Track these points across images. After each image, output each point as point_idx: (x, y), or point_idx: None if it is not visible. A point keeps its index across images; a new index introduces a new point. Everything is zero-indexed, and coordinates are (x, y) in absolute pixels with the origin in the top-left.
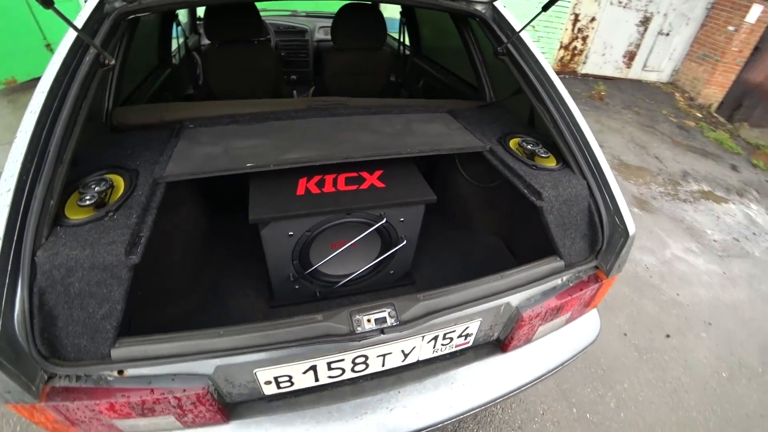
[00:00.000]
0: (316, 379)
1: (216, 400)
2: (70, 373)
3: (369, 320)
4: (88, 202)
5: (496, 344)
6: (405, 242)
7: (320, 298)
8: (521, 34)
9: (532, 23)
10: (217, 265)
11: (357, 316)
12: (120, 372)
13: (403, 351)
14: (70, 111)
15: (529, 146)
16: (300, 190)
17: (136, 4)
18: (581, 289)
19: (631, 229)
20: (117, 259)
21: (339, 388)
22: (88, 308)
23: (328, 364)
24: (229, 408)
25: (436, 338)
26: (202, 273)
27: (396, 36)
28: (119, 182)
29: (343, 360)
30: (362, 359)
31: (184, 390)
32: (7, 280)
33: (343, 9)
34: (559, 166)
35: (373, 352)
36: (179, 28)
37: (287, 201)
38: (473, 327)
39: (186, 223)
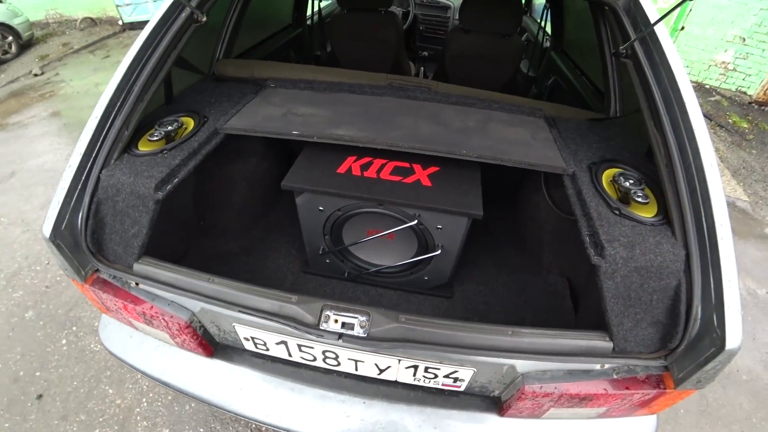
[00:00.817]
0: (289, 354)
1: (198, 335)
2: (106, 271)
3: (336, 321)
4: (156, 138)
5: (493, 402)
6: (439, 251)
7: (348, 278)
8: (659, 34)
9: (742, 35)
10: (273, 219)
11: (327, 312)
12: (137, 283)
13: (377, 365)
14: (158, 60)
15: (626, 183)
16: (342, 168)
17: None
18: (629, 388)
19: (733, 341)
20: (147, 191)
21: (315, 372)
22: (124, 224)
23: (299, 345)
24: (215, 345)
25: (416, 367)
26: (257, 221)
27: (540, 24)
28: (190, 125)
29: (312, 348)
30: (332, 355)
31: (171, 316)
32: (78, 187)
33: None
34: (656, 219)
35: (343, 354)
36: None
37: (324, 176)
38: (464, 374)
39: (253, 173)
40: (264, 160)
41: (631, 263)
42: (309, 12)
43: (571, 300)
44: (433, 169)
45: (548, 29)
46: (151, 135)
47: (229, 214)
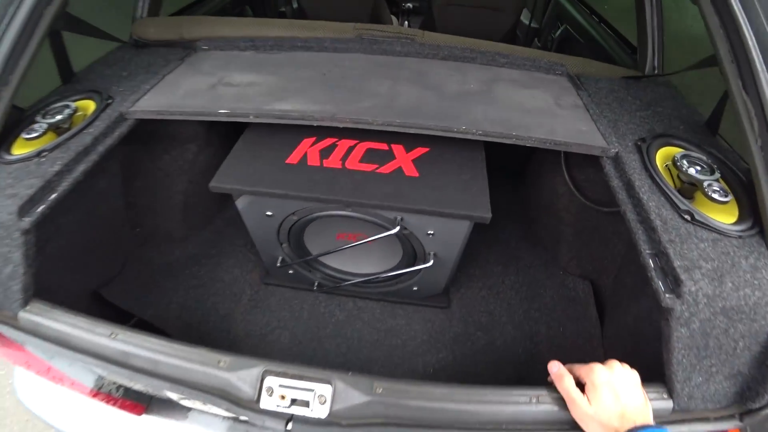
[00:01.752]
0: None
1: (116, 398)
2: None
3: (283, 396)
4: (35, 134)
5: None
6: (431, 264)
7: (319, 291)
8: None
9: None
10: (227, 218)
11: (270, 383)
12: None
13: None
14: (23, 24)
15: (691, 169)
16: (294, 157)
17: None
18: None
19: None
20: (9, 218)
21: None
22: None
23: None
24: (148, 401)
25: None
26: (207, 222)
27: None
28: (89, 110)
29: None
30: None
31: (73, 383)
32: None
33: None
34: (742, 228)
35: None
36: None
37: (269, 169)
38: None
39: (194, 163)
40: (207, 146)
41: (717, 303)
42: None
43: (595, 308)
44: (419, 151)
45: None
46: (30, 131)
47: (170, 217)
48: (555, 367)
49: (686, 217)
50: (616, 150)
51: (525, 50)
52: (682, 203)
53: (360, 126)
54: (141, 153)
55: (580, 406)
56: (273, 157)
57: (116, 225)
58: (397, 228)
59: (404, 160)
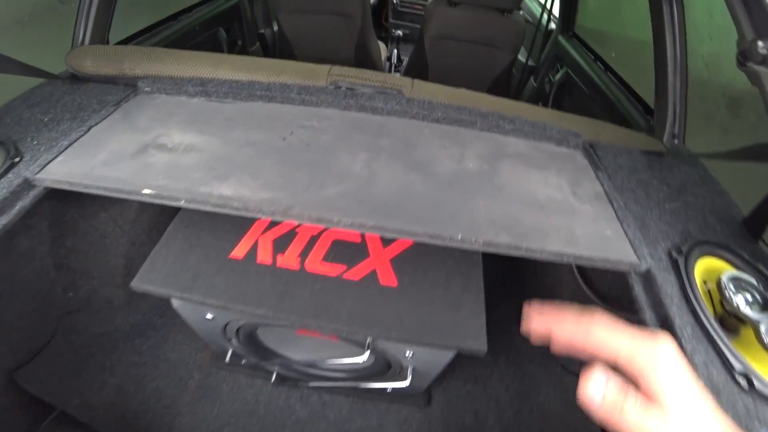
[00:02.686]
0: None
1: None
2: None
3: None
4: None
5: None
6: (407, 384)
7: (278, 383)
8: None
9: None
10: None
11: None
12: None
13: None
14: None
15: (740, 299)
16: (240, 250)
17: None
18: None
19: None
20: None
21: None
22: None
23: None
24: None
25: None
26: None
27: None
28: None
29: None
30: None
31: None
32: None
33: None
34: None
35: None
36: None
37: (205, 268)
38: None
39: (135, 222)
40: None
41: None
42: None
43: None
44: (400, 246)
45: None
46: None
47: (108, 281)
48: (597, 390)
49: (742, 382)
50: (648, 266)
51: (533, 110)
52: (737, 359)
53: (322, 224)
54: (73, 210)
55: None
56: (213, 248)
57: (43, 289)
58: (366, 354)
59: (380, 259)
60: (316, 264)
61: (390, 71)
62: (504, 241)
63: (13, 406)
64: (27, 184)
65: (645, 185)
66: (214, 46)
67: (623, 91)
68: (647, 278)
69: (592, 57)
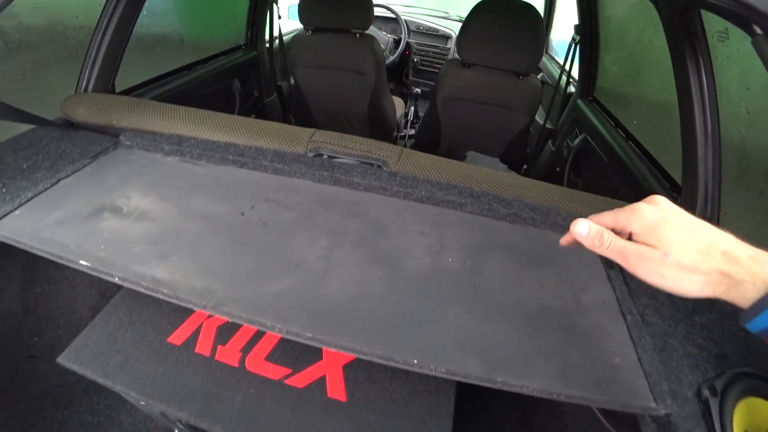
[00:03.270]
0: None
1: None
2: None
3: None
4: None
5: None
6: None
7: None
8: None
9: None
10: None
11: None
12: None
13: None
14: None
15: None
16: (180, 335)
17: None
18: None
19: None
20: None
21: None
22: None
23: None
24: None
25: None
26: None
27: (564, 64)
28: None
29: None
30: None
31: None
32: None
33: (485, 4)
34: None
35: None
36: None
37: (139, 351)
38: None
39: None
40: None
41: None
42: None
43: None
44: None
45: (569, 68)
46: None
47: (74, 330)
48: (583, 227)
49: None
50: (668, 411)
51: (538, 188)
52: None
53: (254, 326)
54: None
55: (647, 256)
56: (153, 328)
57: (9, 330)
58: None
59: (332, 364)
60: (258, 362)
61: (406, 128)
62: (473, 370)
63: None
64: None
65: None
66: (227, 97)
67: (646, 162)
68: (667, 428)
69: (613, 124)
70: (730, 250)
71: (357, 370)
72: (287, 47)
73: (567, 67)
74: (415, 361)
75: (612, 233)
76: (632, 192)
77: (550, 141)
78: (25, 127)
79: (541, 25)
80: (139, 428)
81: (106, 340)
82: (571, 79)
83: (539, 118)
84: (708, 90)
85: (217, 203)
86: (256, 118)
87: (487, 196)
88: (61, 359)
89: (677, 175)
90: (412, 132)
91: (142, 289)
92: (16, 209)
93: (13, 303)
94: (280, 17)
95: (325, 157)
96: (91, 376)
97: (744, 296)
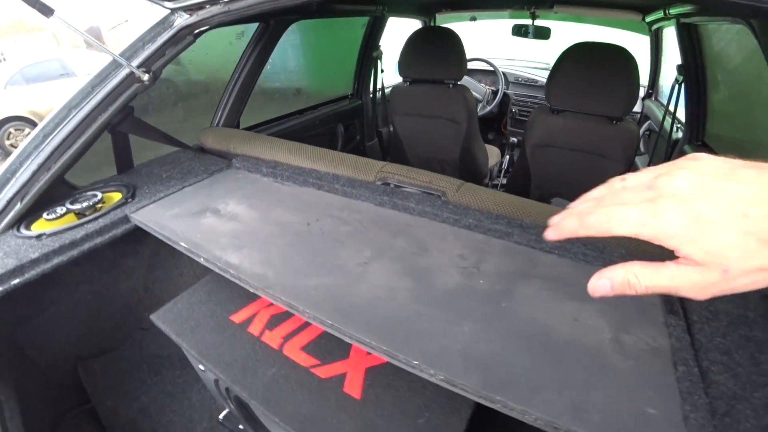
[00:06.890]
0: None
1: None
2: None
3: None
4: (52, 216)
5: None
6: None
7: None
8: None
9: None
10: None
11: None
12: None
13: None
14: (77, 123)
15: None
16: (240, 315)
17: (194, 17)
18: None
19: None
20: None
21: None
22: None
23: None
24: None
25: None
26: None
27: (669, 107)
28: (111, 202)
29: None
30: None
31: None
32: None
33: (573, 49)
34: None
35: None
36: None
37: (205, 323)
38: None
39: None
40: None
41: None
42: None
43: None
44: (378, 361)
45: (678, 113)
46: (51, 212)
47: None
48: (605, 284)
49: None
50: None
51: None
52: None
53: (288, 308)
54: (166, 247)
55: (702, 282)
56: (222, 306)
57: (131, 304)
58: None
59: (356, 365)
60: (293, 349)
61: (499, 176)
62: (472, 383)
63: (58, 386)
64: (125, 218)
65: (756, 348)
66: (331, 138)
67: None
68: None
69: None
70: None
71: (377, 375)
72: (388, 98)
73: (672, 110)
74: (416, 363)
75: (643, 267)
76: None
77: None
78: (172, 149)
79: (635, 67)
80: (204, 404)
81: (187, 310)
82: (678, 124)
83: (642, 166)
84: None
85: (290, 214)
86: None
87: (536, 228)
88: (153, 317)
89: None
90: (505, 181)
91: (216, 269)
92: (151, 204)
93: (139, 282)
94: (383, 71)
95: (391, 186)
96: (169, 333)
97: None
